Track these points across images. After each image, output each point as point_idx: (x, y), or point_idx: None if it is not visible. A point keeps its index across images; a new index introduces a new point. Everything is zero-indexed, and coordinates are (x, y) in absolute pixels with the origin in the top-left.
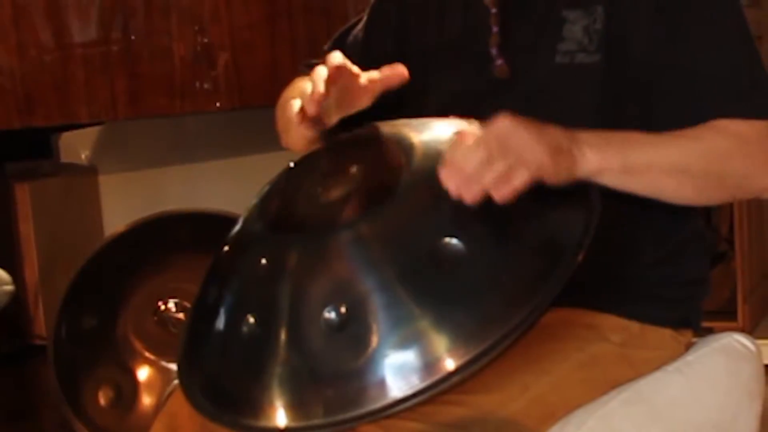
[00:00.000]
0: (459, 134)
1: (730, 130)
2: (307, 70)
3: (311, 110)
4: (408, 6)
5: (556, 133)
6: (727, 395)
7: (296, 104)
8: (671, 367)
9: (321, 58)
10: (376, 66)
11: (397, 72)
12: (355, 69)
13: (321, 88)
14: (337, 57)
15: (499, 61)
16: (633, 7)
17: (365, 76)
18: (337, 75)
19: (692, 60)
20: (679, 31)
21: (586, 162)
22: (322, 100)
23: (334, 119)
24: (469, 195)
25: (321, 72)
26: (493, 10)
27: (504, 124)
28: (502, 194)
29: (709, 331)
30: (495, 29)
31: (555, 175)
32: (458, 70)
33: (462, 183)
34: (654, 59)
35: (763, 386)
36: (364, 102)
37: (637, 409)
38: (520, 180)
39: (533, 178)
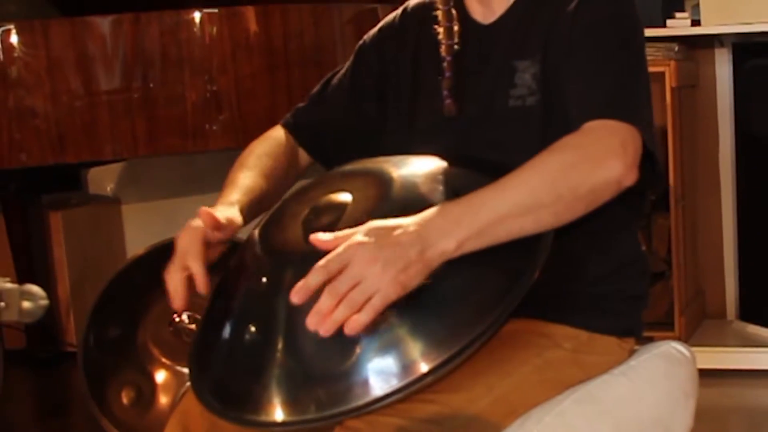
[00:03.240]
0: (318, 244)
1: (572, 137)
2: (288, 120)
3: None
4: (386, 57)
5: (404, 244)
6: (666, 395)
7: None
8: (617, 371)
9: (304, 101)
10: (360, 104)
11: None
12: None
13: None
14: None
15: (448, 101)
16: (559, 54)
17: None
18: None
19: (586, 83)
20: (582, 64)
21: (443, 250)
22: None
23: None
24: (325, 331)
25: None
26: (447, 59)
27: (355, 255)
28: (350, 330)
29: (650, 340)
30: (447, 74)
31: (405, 289)
32: (421, 109)
33: (318, 322)
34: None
35: (697, 387)
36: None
37: (588, 407)
38: (365, 317)
39: (382, 306)
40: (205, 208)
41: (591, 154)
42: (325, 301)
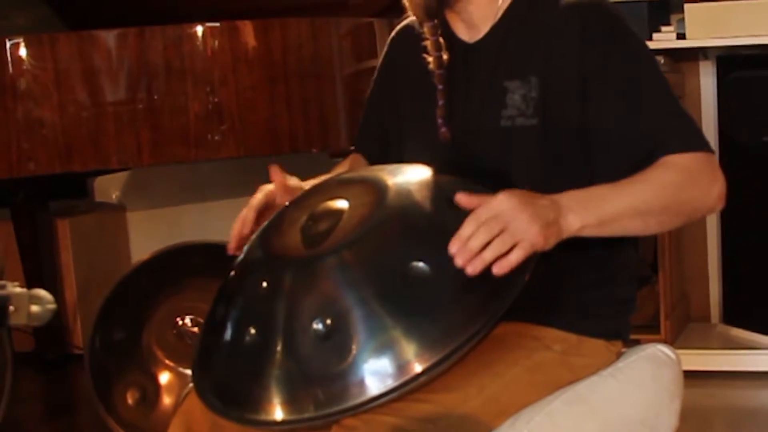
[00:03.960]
0: (463, 201)
1: (675, 163)
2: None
3: (232, 248)
4: (397, 85)
5: (545, 206)
6: (652, 395)
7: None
8: (605, 372)
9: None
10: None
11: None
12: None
13: (248, 226)
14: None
15: (443, 129)
16: (561, 78)
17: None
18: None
19: (625, 113)
20: (609, 92)
21: (569, 226)
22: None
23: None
24: (472, 269)
25: (249, 213)
26: (440, 87)
27: (504, 204)
28: (500, 269)
29: (637, 343)
30: (441, 102)
31: (545, 245)
32: (413, 134)
33: (467, 259)
34: (588, 119)
35: (681, 388)
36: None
37: (576, 407)
38: (516, 257)
39: (528, 253)
40: (275, 166)
41: (697, 179)
42: (475, 240)
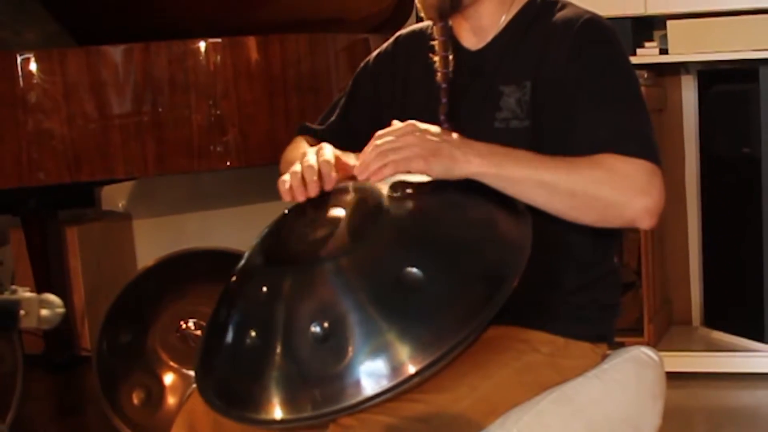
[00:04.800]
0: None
1: (608, 162)
2: (302, 131)
3: (313, 192)
4: (380, 85)
5: (445, 140)
6: (636, 396)
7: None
8: (591, 374)
9: (315, 124)
10: (352, 130)
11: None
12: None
13: (332, 180)
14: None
15: (445, 126)
16: (553, 85)
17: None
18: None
19: (593, 116)
20: (587, 98)
21: (467, 164)
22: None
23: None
24: (358, 175)
25: (328, 157)
26: (443, 86)
27: (400, 129)
28: (358, 172)
29: (621, 345)
30: (444, 100)
31: (425, 169)
32: None
33: (361, 171)
34: (571, 119)
35: (664, 389)
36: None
37: (563, 407)
38: (376, 166)
39: (398, 168)
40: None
41: (622, 184)
42: (368, 154)
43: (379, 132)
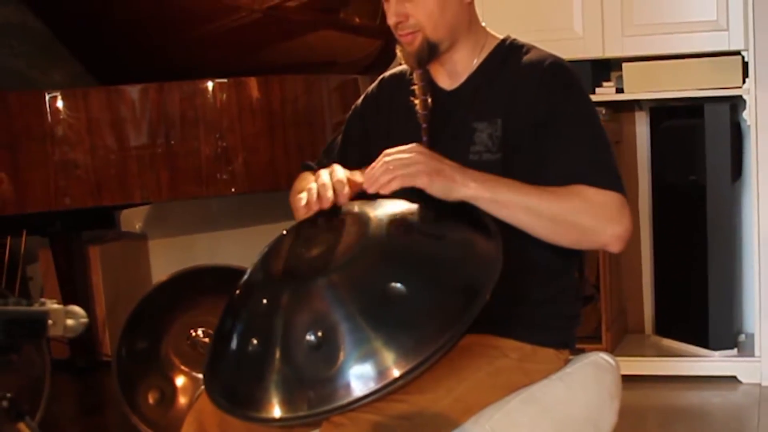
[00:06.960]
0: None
1: (584, 194)
2: (305, 167)
3: (325, 204)
4: (368, 122)
5: (448, 165)
6: (595, 396)
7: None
8: (555, 377)
9: (314, 161)
10: (350, 165)
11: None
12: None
13: (345, 195)
14: (340, 171)
15: None
16: (522, 121)
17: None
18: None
19: (565, 151)
20: (558, 134)
21: (465, 187)
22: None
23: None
24: (368, 188)
25: (340, 176)
26: (424, 125)
27: (408, 149)
28: (367, 185)
29: (582, 351)
30: (425, 139)
31: (428, 186)
32: None
33: (369, 183)
34: (540, 153)
35: (620, 390)
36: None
37: (531, 406)
38: (386, 179)
39: (404, 183)
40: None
41: (596, 212)
42: (377, 169)
43: (388, 150)
